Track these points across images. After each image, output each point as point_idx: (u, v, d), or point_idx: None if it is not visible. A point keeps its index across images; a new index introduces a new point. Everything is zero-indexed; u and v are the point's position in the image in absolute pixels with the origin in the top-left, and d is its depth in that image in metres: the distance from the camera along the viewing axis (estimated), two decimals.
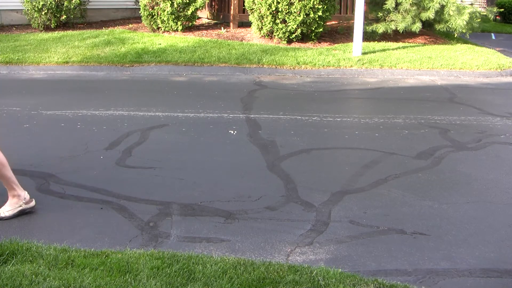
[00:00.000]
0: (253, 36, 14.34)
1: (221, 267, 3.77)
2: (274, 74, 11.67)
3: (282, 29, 13.42)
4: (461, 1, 16.26)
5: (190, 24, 14.86)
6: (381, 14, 14.47)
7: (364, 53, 12.92)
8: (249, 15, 14.17)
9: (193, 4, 14.19)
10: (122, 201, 5.17)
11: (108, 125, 7.64)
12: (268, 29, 13.61)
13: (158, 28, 14.67)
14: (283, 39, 13.67)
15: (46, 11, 14.44)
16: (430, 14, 13.71)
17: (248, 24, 14.84)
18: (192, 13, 14.38)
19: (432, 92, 10.37)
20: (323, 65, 12.03)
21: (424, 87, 10.92)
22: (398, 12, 14.06)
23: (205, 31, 14.95)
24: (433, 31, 15.44)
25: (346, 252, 4.34)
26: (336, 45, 13.96)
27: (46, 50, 12.61)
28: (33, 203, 4.90)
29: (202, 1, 14.21)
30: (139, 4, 14.68)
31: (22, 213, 4.81)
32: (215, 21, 16.22)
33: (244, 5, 14.54)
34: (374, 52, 13.24)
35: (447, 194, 5.51)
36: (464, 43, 15.20)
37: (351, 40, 13.38)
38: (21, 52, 12.42)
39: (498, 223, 4.92)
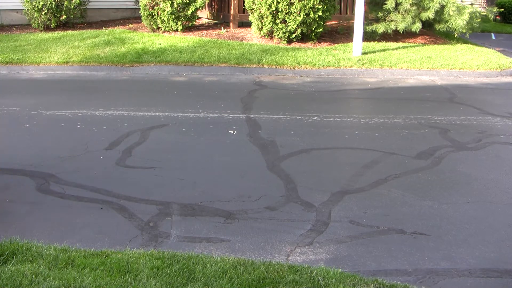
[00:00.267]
0: (253, 36, 14.34)
1: (221, 267, 3.77)
2: (274, 74, 11.67)
3: (282, 29, 13.42)
4: (461, 1, 16.26)
5: (190, 24, 14.86)
6: (381, 14, 14.47)
7: (364, 53, 12.92)
8: (249, 15, 14.17)
9: (193, 4, 14.19)
10: (122, 201, 5.18)
11: (108, 125, 7.64)
12: (268, 29, 13.61)
13: (158, 28, 14.67)
14: (283, 39, 13.67)
15: (46, 11, 14.44)
16: (430, 14, 13.71)
17: (248, 24, 14.84)
18: (192, 13, 14.37)
19: (432, 92, 10.37)
20: (323, 65, 12.03)
21: (424, 87, 10.92)
22: (398, 12, 14.06)
23: (205, 31, 14.95)
24: (433, 31, 15.43)
25: (346, 252, 4.34)
26: (336, 45, 13.96)
27: (46, 50, 12.61)
28: None
29: (202, 1, 14.21)
30: (139, 4, 14.68)
31: None
32: (215, 21, 16.22)
33: (244, 5, 14.54)
34: (374, 52, 13.24)
35: (447, 194, 5.51)
36: (464, 43, 15.20)
37: (351, 40, 13.38)
38: (21, 52, 12.42)
39: (498, 223, 4.93)
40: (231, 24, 15.24)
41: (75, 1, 14.58)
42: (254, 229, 4.69)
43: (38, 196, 5.27)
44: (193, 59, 12.10)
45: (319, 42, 14.08)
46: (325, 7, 13.49)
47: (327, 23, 14.65)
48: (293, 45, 13.67)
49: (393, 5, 13.94)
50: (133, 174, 5.94)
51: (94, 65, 11.86)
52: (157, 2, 14.18)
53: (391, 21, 14.19)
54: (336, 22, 16.21)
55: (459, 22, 13.71)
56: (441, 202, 5.31)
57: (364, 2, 12.69)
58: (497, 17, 21.90)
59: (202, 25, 16.06)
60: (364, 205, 5.22)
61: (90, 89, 10.16)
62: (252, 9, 13.70)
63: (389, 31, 14.18)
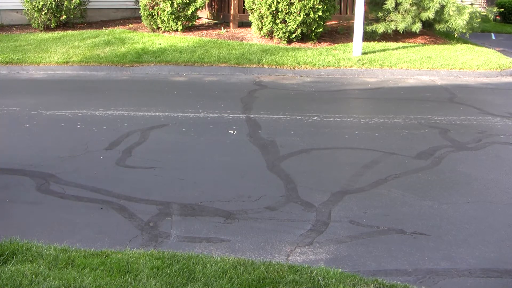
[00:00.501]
0: (253, 36, 14.34)
1: (221, 267, 3.77)
2: (274, 74, 11.67)
3: (282, 29, 13.42)
4: (461, 1, 16.25)
5: (190, 24, 14.86)
6: (381, 14, 14.47)
7: (364, 53, 12.92)
8: (249, 15, 14.16)
9: (193, 4, 14.19)
10: (122, 201, 5.18)
11: (108, 125, 7.64)
12: (268, 29, 13.61)
13: (158, 28, 14.67)
14: (283, 39, 13.67)
15: (46, 11, 14.44)
16: (430, 14, 13.71)
17: (248, 24, 14.84)
18: (192, 13, 14.37)
19: (432, 92, 10.37)
20: (323, 65, 12.03)
21: (424, 87, 10.92)
22: (398, 12, 14.06)
23: (205, 31, 14.95)
24: (433, 31, 15.43)
25: (346, 252, 4.34)
26: (336, 45, 13.96)
27: (46, 50, 12.61)
28: None
29: (202, 1, 14.21)
30: (139, 4, 14.68)
31: None
32: (215, 21, 16.22)
33: (244, 5, 14.54)
34: (374, 52, 13.24)
35: (447, 194, 5.51)
36: (464, 43, 15.20)
37: (351, 40, 13.38)
38: (21, 52, 12.42)
39: (498, 223, 4.93)
40: (231, 24, 15.23)
41: (75, 1, 14.58)
42: (254, 229, 4.69)
43: (38, 196, 5.27)
44: (193, 59, 12.10)
45: (319, 42, 14.08)
46: (325, 7, 13.49)
47: (327, 23, 14.65)
48: (293, 45, 13.66)
49: (393, 5, 13.93)
50: (133, 174, 5.94)
51: (94, 65, 11.86)
52: (157, 2, 14.18)
53: (391, 21, 14.19)
54: (336, 22, 16.21)
55: (459, 22, 13.71)
56: (441, 202, 5.31)
57: (364, 2, 12.69)
58: (497, 17, 21.90)
59: (202, 25, 16.06)
60: (364, 205, 5.22)
61: (90, 89, 10.16)
62: (252, 9, 13.70)
63: (389, 31, 14.18)
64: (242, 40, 14.09)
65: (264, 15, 13.40)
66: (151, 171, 6.00)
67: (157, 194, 5.37)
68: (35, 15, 14.53)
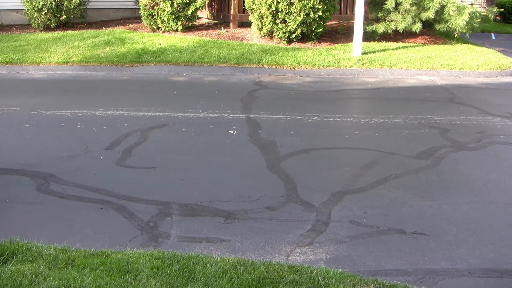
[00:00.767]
0: (253, 36, 14.34)
1: (221, 267, 3.77)
2: (274, 74, 11.67)
3: (282, 29, 13.42)
4: (461, 1, 16.25)
5: (190, 24, 14.86)
6: (381, 14, 14.46)
7: (364, 53, 12.92)
8: (249, 15, 14.16)
9: (193, 4, 14.19)
10: (122, 201, 5.18)
11: (108, 125, 7.64)
12: (268, 29, 13.61)
13: (158, 28, 14.67)
14: (283, 39, 13.67)
15: (46, 11, 14.44)
16: (430, 14, 13.70)
17: (248, 24, 14.84)
18: (192, 13, 14.37)
19: (432, 92, 10.37)
20: (323, 65, 12.03)
21: (424, 87, 10.92)
22: (398, 12, 14.05)
23: (205, 31, 14.95)
24: (433, 31, 15.43)
25: (346, 252, 4.34)
26: (336, 45, 13.96)
27: (46, 50, 12.61)
28: None
29: (202, 1, 14.21)
30: (139, 4, 14.68)
31: None
32: (215, 21, 16.22)
33: (244, 5, 14.53)
34: (374, 52, 13.24)
35: (447, 194, 5.51)
36: (464, 43, 15.20)
37: (351, 40, 13.38)
38: (21, 52, 12.42)
39: (498, 223, 4.93)
40: (231, 24, 15.23)
41: (75, 1, 14.58)
42: (254, 229, 4.69)
43: (38, 196, 5.27)
44: (193, 59, 12.10)
45: (319, 42, 14.08)
46: (325, 7, 13.49)
47: (327, 23, 14.65)
48: (293, 45, 13.66)
49: (393, 5, 13.93)
50: (133, 174, 5.94)
51: (94, 65, 11.86)
52: (157, 2, 14.18)
53: (391, 21, 14.19)
54: (336, 22, 16.21)
55: (459, 22, 13.71)
56: (441, 202, 5.31)
57: (364, 2, 12.69)
58: (497, 17, 21.89)
59: (202, 25, 16.06)
60: (364, 205, 5.22)
61: (90, 89, 10.16)
62: (252, 9, 13.70)
63: (389, 31, 14.18)
64: (242, 40, 14.10)
65: (264, 15, 13.40)
66: (151, 171, 6.00)
67: (157, 194, 5.36)
68: (35, 15, 14.53)
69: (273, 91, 10.20)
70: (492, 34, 19.38)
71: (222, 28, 15.09)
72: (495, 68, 12.36)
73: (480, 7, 20.38)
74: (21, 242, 4.04)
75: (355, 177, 5.91)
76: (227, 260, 3.90)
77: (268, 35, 13.91)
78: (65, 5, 14.51)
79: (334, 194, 5.43)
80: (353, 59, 12.34)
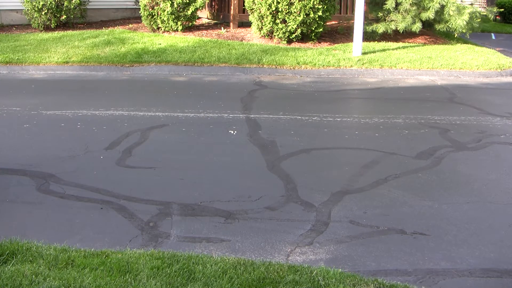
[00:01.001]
0: (253, 36, 14.34)
1: (221, 267, 3.77)
2: (274, 74, 11.67)
3: (282, 29, 13.42)
4: (461, 1, 16.25)
5: (190, 24, 14.86)
6: (381, 14, 14.46)
7: (364, 53, 12.92)
8: (249, 15, 14.16)
9: (193, 4, 14.19)
10: (122, 201, 5.18)
11: (108, 125, 7.64)
12: (268, 29, 13.61)
13: (158, 28, 14.67)
14: (283, 39, 13.66)
15: (46, 11, 14.44)
16: (430, 14, 13.70)
17: (248, 24, 14.84)
18: (192, 13, 14.37)
19: (432, 92, 10.37)
20: (323, 65, 12.03)
21: (424, 87, 10.92)
22: (398, 12, 14.05)
23: (205, 31, 14.95)
24: (433, 31, 15.43)
25: (346, 252, 4.34)
26: (336, 45, 13.96)
27: (46, 50, 12.61)
28: None
29: (202, 1, 14.21)
30: (139, 4, 14.68)
31: None
32: (215, 21, 16.22)
33: (244, 5, 14.53)
34: (374, 52, 13.24)
35: (447, 194, 5.51)
36: (464, 43, 15.20)
37: (351, 40, 13.38)
38: (21, 52, 12.42)
39: (498, 223, 4.93)
40: (231, 24, 15.23)
41: (75, 1, 14.58)
42: (254, 229, 4.69)
43: (38, 196, 5.27)
44: (193, 59, 12.10)
45: (319, 42, 14.08)
46: (325, 7, 13.49)
47: (327, 23, 14.65)
48: (293, 45, 13.66)
49: (393, 5, 13.93)
50: (133, 174, 5.94)
51: (94, 65, 11.86)
52: (157, 2, 14.18)
53: (391, 21, 14.19)
54: (336, 22, 16.21)
55: (459, 22, 13.71)
56: (441, 202, 5.31)
57: (364, 2, 12.69)
58: (497, 17, 21.89)
59: (202, 25, 16.06)
60: (364, 205, 5.22)
61: (90, 89, 10.16)
62: (252, 9, 13.70)
63: (389, 31, 14.17)
64: (242, 40, 14.10)
65: (264, 15, 13.40)
66: (151, 171, 6.00)
67: (157, 194, 5.36)
68: (35, 15, 14.53)
69: (273, 91, 10.20)
70: (492, 34, 19.38)
71: (222, 28, 15.09)
72: (495, 68, 12.36)
73: (480, 7, 20.38)
74: (21, 242, 4.04)
75: (355, 177, 5.91)
76: (227, 260, 3.90)
77: (268, 35, 13.92)
78: (65, 5, 14.51)
79: (334, 194, 5.43)
80: (353, 59, 12.34)
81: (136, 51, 12.62)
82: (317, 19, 13.43)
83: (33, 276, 3.52)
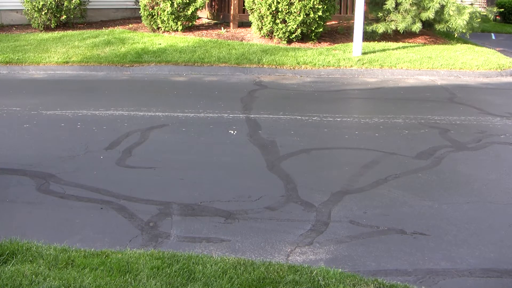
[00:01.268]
0: (253, 36, 14.34)
1: (221, 267, 3.77)
2: (274, 74, 11.67)
3: (282, 29, 13.42)
4: (461, 1, 16.25)
5: (190, 24, 14.86)
6: (381, 14, 14.46)
7: (364, 53, 12.92)
8: (249, 15, 14.16)
9: (193, 4, 14.19)
10: (122, 201, 5.18)
11: (108, 125, 7.64)
12: (268, 29, 13.61)
13: (158, 28, 14.66)
14: (283, 39, 13.66)
15: (46, 11, 14.44)
16: (430, 14, 13.70)
17: (248, 24, 14.84)
18: (192, 13, 14.37)
19: (432, 92, 10.37)
20: (323, 65, 12.03)
21: (424, 87, 10.92)
22: (398, 12, 14.05)
23: (205, 31, 14.94)
24: (433, 31, 15.43)
25: (346, 252, 4.34)
26: (336, 45, 13.96)
27: (46, 50, 12.61)
28: None
29: (202, 1, 14.21)
30: (139, 4, 14.68)
31: None
32: (215, 21, 16.22)
33: (244, 5, 14.53)
34: (374, 52, 13.24)
35: (447, 194, 5.51)
36: (464, 43, 15.20)
37: (351, 40, 13.38)
38: (21, 52, 12.42)
39: (498, 223, 4.93)
40: (231, 24, 15.23)
41: (75, 1, 14.58)
42: (254, 229, 4.69)
43: (38, 196, 5.27)
44: (193, 59, 12.10)
45: (319, 42, 14.08)
46: (325, 7, 13.49)
47: (327, 23, 14.65)
48: (293, 45, 13.66)
49: (393, 5, 13.93)
50: (133, 174, 5.94)
51: (94, 65, 11.86)
52: (157, 2, 14.18)
53: (391, 21, 14.19)
54: (336, 22, 16.21)
55: (459, 22, 13.71)
56: (441, 202, 5.31)
57: (364, 2, 12.69)
58: (497, 17, 21.89)
59: (202, 25, 16.06)
60: (364, 205, 5.22)
61: (90, 89, 10.16)
62: (252, 9, 13.70)
63: (389, 31, 14.17)
64: (242, 40, 14.10)
65: (264, 15, 13.40)
66: (151, 171, 6.00)
67: (157, 194, 5.36)
68: (35, 15, 14.53)
69: (273, 91, 10.20)
70: (492, 34, 19.37)
71: (222, 28, 15.09)
72: (495, 68, 12.36)
73: (480, 7, 20.38)
74: (21, 242, 4.04)
75: (355, 177, 5.91)
76: (227, 260, 3.90)
77: (268, 35, 13.92)
78: (65, 5, 14.51)
79: (334, 194, 5.43)
80: (353, 59, 12.34)
81: (136, 51, 12.62)
82: (317, 19, 13.42)
83: (33, 276, 3.52)
